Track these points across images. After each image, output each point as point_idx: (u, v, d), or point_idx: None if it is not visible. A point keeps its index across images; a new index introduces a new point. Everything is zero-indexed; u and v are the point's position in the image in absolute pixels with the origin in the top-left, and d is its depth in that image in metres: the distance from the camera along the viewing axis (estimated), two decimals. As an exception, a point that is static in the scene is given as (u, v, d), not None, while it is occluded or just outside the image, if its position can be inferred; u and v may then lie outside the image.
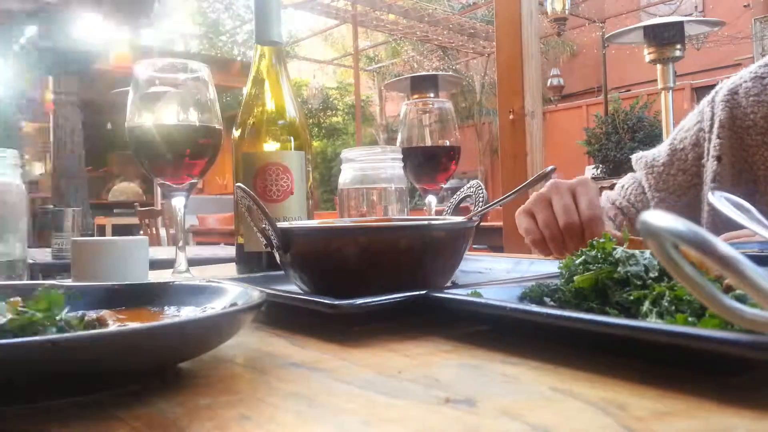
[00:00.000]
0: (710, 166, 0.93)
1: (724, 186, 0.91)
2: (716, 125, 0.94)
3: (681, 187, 0.98)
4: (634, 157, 1.08)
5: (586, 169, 6.10)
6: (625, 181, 1.06)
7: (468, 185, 0.70)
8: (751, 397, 0.28)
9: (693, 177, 0.97)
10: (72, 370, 0.29)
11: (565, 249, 0.80)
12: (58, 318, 0.35)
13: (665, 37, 2.80)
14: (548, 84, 10.11)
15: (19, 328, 0.33)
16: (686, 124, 1.02)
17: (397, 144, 1.03)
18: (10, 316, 0.34)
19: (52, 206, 6.18)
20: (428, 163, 1.02)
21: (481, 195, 0.67)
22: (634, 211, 1.01)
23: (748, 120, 0.92)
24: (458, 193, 0.72)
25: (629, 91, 9.83)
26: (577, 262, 0.44)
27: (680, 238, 0.23)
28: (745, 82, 0.94)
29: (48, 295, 0.36)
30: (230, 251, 0.99)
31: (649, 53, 2.86)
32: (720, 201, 0.42)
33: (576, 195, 0.82)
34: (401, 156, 0.88)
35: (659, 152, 1.03)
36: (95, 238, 0.82)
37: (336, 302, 0.44)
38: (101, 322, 0.37)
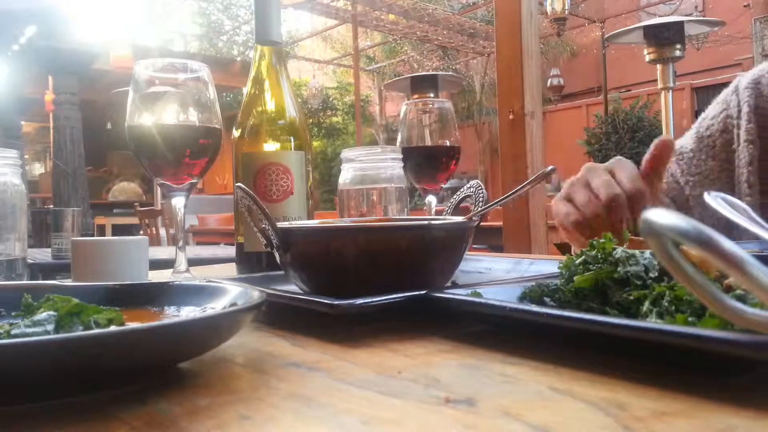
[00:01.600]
0: (744, 150, 0.95)
1: (761, 169, 0.94)
2: (744, 110, 0.96)
3: (713, 171, 1.00)
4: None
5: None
6: None
7: (468, 185, 0.70)
8: (751, 397, 0.28)
9: (723, 162, 1.00)
10: (72, 369, 0.29)
11: (609, 227, 0.75)
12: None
13: (665, 37, 2.79)
14: (548, 84, 10.11)
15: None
16: (710, 113, 1.05)
17: (397, 144, 1.03)
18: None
19: (51, 206, 6.18)
20: (428, 163, 1.02)
21: (481, 195, 0.67)
22: (667, 200, 1.02)
23: None
24: (458, 193, 0.72)
25: (629, 91, 9.84)
26: (577, 262, 0.44)
27: (683, 235, 0.23)
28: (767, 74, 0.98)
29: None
30: (230, 251, 0.99)
31: (649, 53, 2.85)
32: (715, 201, 0.41)
33: (614, 172, 0.78)
34: (401, 156, 0.88)
35: (685, 141, 1.06)
36: (95, 238, 0.82)
37: (336, 302, 0.44)
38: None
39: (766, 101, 0.97)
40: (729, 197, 0.42)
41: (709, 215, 0.82)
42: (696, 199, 0.99)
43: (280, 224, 0.53)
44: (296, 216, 0.81)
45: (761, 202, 0.94)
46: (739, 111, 0.98)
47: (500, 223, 2.71)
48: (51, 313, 0.36)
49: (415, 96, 3.78)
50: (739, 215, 0.40)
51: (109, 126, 9.05)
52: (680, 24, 2.82)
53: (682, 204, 1.02)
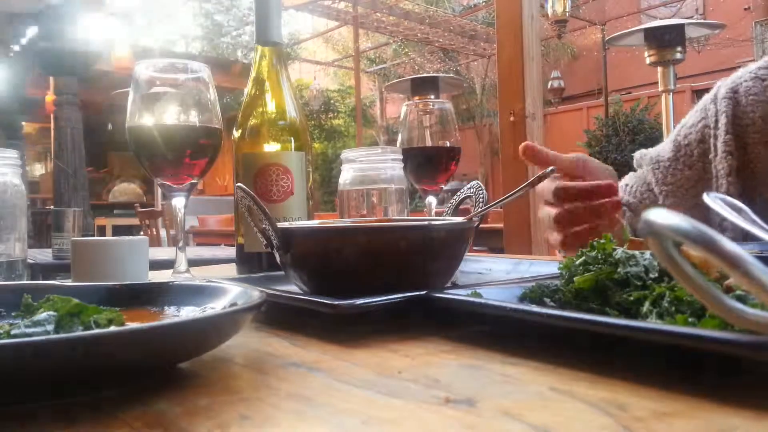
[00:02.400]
0: (723, 161, 0.94)
1: (739, 181, 0.93)
2: (722, 122, 0.95)
3: (689, 180, 0.99)
4: (636, 154, 1.08)
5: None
6: (629, 179, 1.07)
7: (468, 186, 0.70)
8: (751, 397, 0.28)
9: (700, 172, 0.99)
10: (72, 369, 0.29)
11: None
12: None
13: (666, 40, 2.79)
14: (549, 86, 10.11)
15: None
16: (689, 121, 1.03)
17: (398, 145, 1.03)
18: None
19: (52, 207, 6.19)
20: (428, 163, 1.02)
21: (481, 196, 0.67)
22: (642, 207, 1.02)
23: (747, 118, 0.94)
24: (458, 193, 0.72)
25: (630, 93, 9.84)
26: (577, 262, 0.44)
27: (685, 236, 0.23)
28: (745, 81, 0.96)
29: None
30: (230, 252, 0.99)
31: (650, 55, 2.85)
32: (714, 202, 0.42)
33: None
34: (401, 157, 0.88)
35: (663, 149, 1.05)
36: (95, 238, 0.82)
37: (336, 302, 0.43)
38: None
39: (743, 112, 0.95)
40: (728, 198, 0.42)
41: None
42: (670, 208, 0.98)
43: (281, 224, 0.53)
44: (296, 216, 0.81)
45: None
46: (717, 121, 0.97)
47: (501, 226, 2.71)
48: (51, 313, 0.36)
49: (416, 98, 3.78)
50: (737, 215, 0.40)
51: (109, 127, 9.06)
52: (681, 27, 2.82)
53: None
